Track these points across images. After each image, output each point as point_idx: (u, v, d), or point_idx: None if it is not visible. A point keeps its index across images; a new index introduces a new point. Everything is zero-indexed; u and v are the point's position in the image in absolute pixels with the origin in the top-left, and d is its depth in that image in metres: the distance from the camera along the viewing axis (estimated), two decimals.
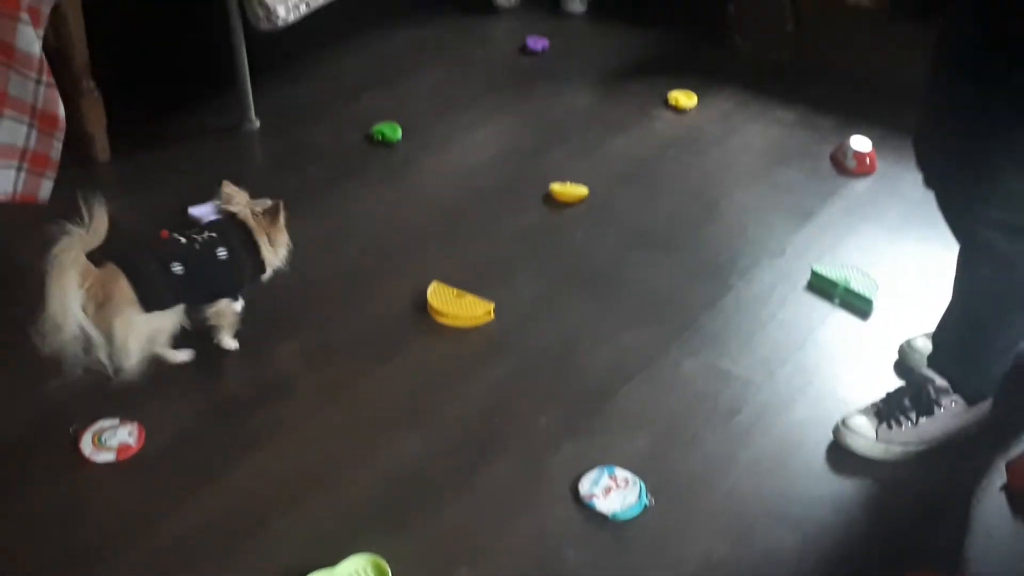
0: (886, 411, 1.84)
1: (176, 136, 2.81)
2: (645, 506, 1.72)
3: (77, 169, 2.53)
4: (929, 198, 1.75)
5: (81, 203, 1.78)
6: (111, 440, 1.82)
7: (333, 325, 2.15)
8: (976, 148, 1.60)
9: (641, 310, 2.21)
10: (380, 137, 2.81)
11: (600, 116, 3.00)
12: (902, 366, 2.04)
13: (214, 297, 2.00)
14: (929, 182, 1.72)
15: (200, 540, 1.66)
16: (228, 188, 2.04)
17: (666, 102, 3.04)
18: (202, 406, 1.97)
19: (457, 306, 2.16)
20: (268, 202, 2.03)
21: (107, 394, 1.89)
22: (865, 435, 1.83)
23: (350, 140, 2.83)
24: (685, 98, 3.04)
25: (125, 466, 1.79)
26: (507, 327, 2.15)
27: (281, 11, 2.66)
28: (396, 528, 1.69)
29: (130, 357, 1.88)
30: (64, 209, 1.82)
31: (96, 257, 1.85)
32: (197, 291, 1.96)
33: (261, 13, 2.62)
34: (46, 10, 2.24)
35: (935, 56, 1.65)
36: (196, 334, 2.01)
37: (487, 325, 2.16)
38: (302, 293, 2.23)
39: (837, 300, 2.24)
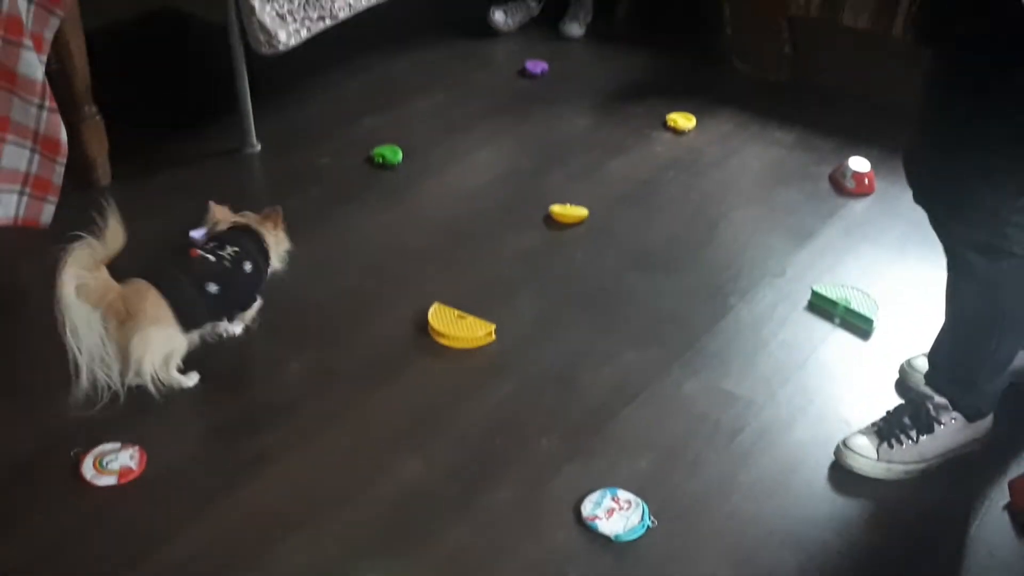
0: (887, 430, 1.84)
1: (177, 160, 2.82)
2: (648, 527, 1.72)
3: (79, 193, 2.53)
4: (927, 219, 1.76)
5: (95, 215, 1.83)
6: (113, 464, 1.82)
7: (334, 347, 2.16)
8: (954, 167, 1.62)
9: (642, 331, 2.22)
10: (381, 160, 2.83)
11: (599, 138, 3.02)
12: (903, 385, 2.04)
13: (242, 309, 2.09)
14: (917, 199, 1.74)
15: (202, 564, 1.66)
16: (215, 208, 2.13)
17: (665, 124, 3.06)
18: (203, 429, 1.97)
19: (458, 327, 2.17)
20: (250, 214, 2.14)
21: (108, 418, 1.88)
22: (867, 455, 1.83)
23: (351, 163, 2.84)
24: (684, 120, 3.06)
25: (127, 490, 1.79)
26: (508, 348, 2.15)
27: (282, 36, 2.68)
28: (399, 551, 1.69)
29: (142, 377, 1.89)
30: (66, 233, 1.83)
31: (119, 274, 1.88)
32: (228, 307, 2.04)
33: (262, 38, 2.64)
34: (49, 36, 2.26)
35: (927, 71, 1.67)
36: (194, 359, 2.02)
37: (488, 346, 2.16)
38: (303, 315, 2.24)
39: (837, 320, 2.24)
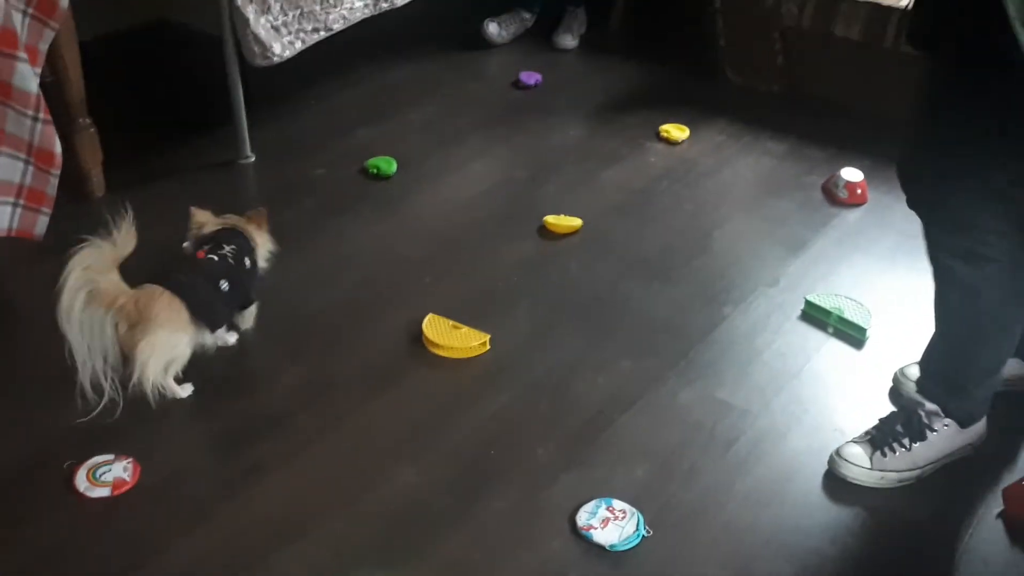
0: (879, 438, 1.85)
1: (172, 171, 2.83)
2: (643, 537, 1.72)
3: (73, 205, 2.54)
4: (920, 227, 1.77)
5: (110, 217, 1.86)
6: (106, 475, 1.81)
7: (329, 358, 2.15)
8: (941, 172, 1.64)
9: (637, 341, 2.22)
10: (375, 171, 2.83)
11: (593, 149, 3.03)
12: (896, 394, 2.05)
13: (244, 307, 2.11)
14: (911, 204, 1.75)
15: (197, 575, 1.65)
16: (196, 212, 2.15)
17: (658, 135, 3.07)
18: (197, 440, 1.96)
19: (453, 338, 2.17)
20: (233, 216, 2.16)
21: (102, 430, 1.88)
22: (860, 464, 1.83)
23: (346, 174, 2.85)
24: (677, 131, 3.07)
25: (121, 502, 1.78)
26: (503, 358, 2.16)
27: (277, 48, 2.68)
28: (394, 562, 1.69)
29: (145, 382, 1.90)
30: (60, 245, 1.83)
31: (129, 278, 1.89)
32: (236, 303, 2.07)
33: (257, 50, 2.65)
34: (43, 48, 2.26)
35: (924, 74, 1.68)
36: (189, 369, 2.02)
37: (483, 356, 2.16)
38: (298, 325, 2.24)
39: (831, 329, 2.25)
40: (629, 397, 2.05)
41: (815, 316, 2.28)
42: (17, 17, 2.16)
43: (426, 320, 2.21)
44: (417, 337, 2.18)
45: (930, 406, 1.85)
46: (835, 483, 1.85)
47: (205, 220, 2.15)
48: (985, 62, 1.50)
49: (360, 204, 2.72)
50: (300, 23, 2.74)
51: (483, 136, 3.09)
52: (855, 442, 1.86)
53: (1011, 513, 1.78)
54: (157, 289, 1.91)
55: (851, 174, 2.75)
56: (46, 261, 1.79)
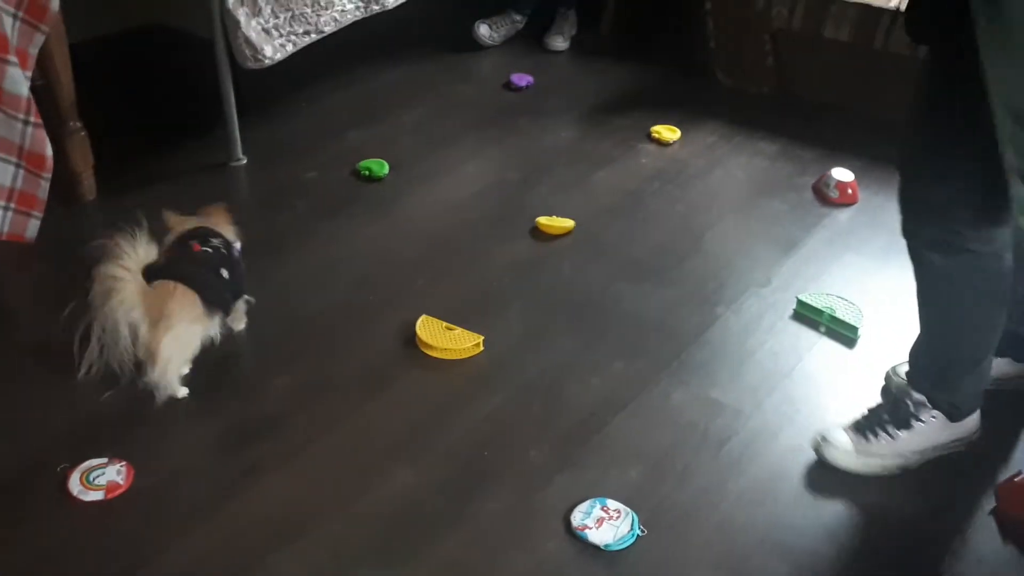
0: (865, 424, 1.87)
1: (163, 174, 2.82)
2: (637, 537, 1.72)
3: (64, 208, 2.53)
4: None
5: (131, 227, 1.90)
6: (100, 479, 1.81)
7: (323, 360, 2.15)
8: (931, 175, 1.65)
9: (630, 341, 2.22)
10: (367, 173, 2.83)
11: (584, 150, 3.03)
12: (888, 392, 2.06)
13: (238, 296, 2.13)
14: (902, 201, 1.76)
15: None
16: (171, 216, 2.13)
17: (650, 136, 3.08)
18: (191, 443, 1.96)
19: (446, 339, 2.17)
20: (193, 218, 2.15)
21: (95, 433, 1.88)
22: (844, 448, 1.85)
23: (337, 176, 2.85)
24: (668, 132, 3.08)
25: (114, 505, 1.78)
26: (496, 359, 2.16)
27: (268, 50, 2.68)
28: (390, 563, 1.69)
29: (166, 376, 1.91)
30: (50, 248, 1.83)
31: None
32: (234, 291, 2.09)
33: (248, 52, 2.65)
34: (34, 52, 2.26)
35: (923, 64, 1.69)
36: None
37: (476, 358, 2.16)
38: (291, 328, 2.23)
39: (823, 329, 2.26)
40: (622, 398, 2.05)
41: (807, 316, 2.29)
42: (7, 21, 2.15)
43: (419, 322, 2.21)
44: (411, 339, 2.19)
45: (917, 396, 1.86)
46: (828, 481, 1.86)
47: (176, 223, 2.13)
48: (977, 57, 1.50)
49: (352, 206, 2.72)
50: (291, 25, 2.74)
51: (475, 138, 3.09)
52: (841, 428, 1.88)
53: (1004, 510, 1.79)
54: (169, 283, 1.92)
55: (842, 174, 2.76)
56: (37, 265, 1.79)
